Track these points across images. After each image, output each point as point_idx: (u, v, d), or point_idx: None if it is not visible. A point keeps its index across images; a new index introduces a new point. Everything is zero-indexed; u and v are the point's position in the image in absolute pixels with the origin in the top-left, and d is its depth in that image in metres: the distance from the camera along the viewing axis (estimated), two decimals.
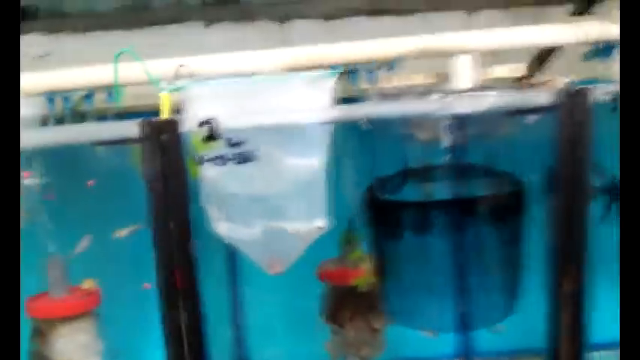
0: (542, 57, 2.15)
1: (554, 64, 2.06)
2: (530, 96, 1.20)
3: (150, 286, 1.47)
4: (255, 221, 1.25)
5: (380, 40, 1.68)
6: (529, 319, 1.28)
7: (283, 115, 1.15)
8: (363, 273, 1.48)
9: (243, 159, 1.14)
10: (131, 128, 1.11)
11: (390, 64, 1.68)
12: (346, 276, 1.52)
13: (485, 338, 1.46)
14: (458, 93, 1.27)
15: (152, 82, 1.19)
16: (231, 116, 1.11)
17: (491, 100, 1.13)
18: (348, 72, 1.62)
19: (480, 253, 1.22)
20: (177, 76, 1.31)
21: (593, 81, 1.66)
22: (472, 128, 1.32)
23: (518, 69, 1.94)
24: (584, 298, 1.21)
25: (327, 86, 1.21)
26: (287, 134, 1.18)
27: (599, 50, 1.71)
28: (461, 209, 1.21)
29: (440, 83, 1.83)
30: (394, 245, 1.26)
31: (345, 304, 1.53)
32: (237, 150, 1.13)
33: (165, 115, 1.14)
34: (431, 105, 1.17)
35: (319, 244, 1.36)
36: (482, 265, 1.22)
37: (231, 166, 1.15)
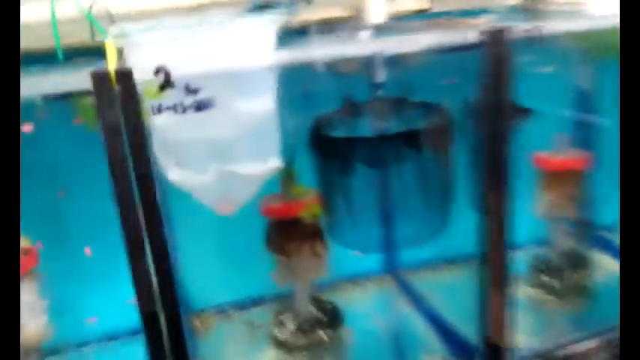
0: None
1: None
2: (457, 35, 1.30)
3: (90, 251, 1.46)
4: (209, 166, 1.27)
5: None
6: (460, 230, 1.45)
7: (233, 59, 1.15)
8: (306, 205, 1.56)
9: (202, 106, 1.14)
10: (79, 80, 1.06)
11: None
12: (291, 209, 1.59)
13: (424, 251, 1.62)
14: (387, 30, 1.33)
15: (97, 27, 1.13)
16: (180, 62, 1.10)
17: (425, 40, 1.22)
18: (267, 6, 1.62)
19: (417, 179, 1.34)
20: (109, 18, 1.24)
21: (483, 10, 1.82)
22: (403, 65, 1.41)
23: (421, 1, 2.04)
24: (508, 208, 1.40)
25: (273, 26, 1.22)
26: (238, 78, 1.19)
27: None
28: (399, 141, 1.31)
29: (355, 16, 1.89)
30: (339, 178, 1.34)
31: (292, 235, 1.61)
32: (194, 97, 1.13)
33: (112, 64, 1.10)
34: (369, 46, 1.24)
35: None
36: (421, 190, 1.36)
37: (185, 114, 1.14)
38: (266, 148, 1.29)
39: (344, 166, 1.30)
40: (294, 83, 1.39)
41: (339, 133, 1.37)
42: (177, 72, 1.09)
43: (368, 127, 1.40)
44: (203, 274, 1.80)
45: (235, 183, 1.31)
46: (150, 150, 1.09)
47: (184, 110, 1.14)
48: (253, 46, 1.20)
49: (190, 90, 1.12)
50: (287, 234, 1.61)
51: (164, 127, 1.18)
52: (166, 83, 1.08)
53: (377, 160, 1.29)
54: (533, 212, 1.79)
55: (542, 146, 1.74)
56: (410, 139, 1.31)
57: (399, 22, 1.66)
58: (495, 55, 1.24)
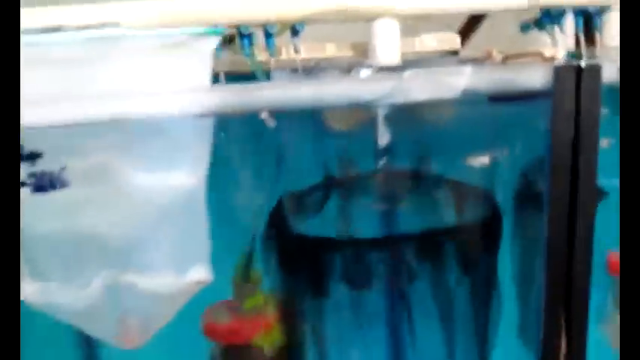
0: (469, 26, 1.79)
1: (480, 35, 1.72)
2: (513, 74, 0.81)
3: None
4: (91, 277, 0.76)
5: None
6: None
7: (128, 101, 0.66)
8: (265, 327, 1.03)
9: (47, 183, 0.64)
10: None
11: (296, 29, 1.23)
12: (242, 331, 1.05)
13: None
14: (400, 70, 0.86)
15: None
16: (30, 104, 0.61)
17: (464, 81, 0.73)
18: (239, 36, 1.14)
19: (437, 308, 0.81)
20: None
21: None
22: (422, 118, 0.91)
23: (449, 40, 1.56)
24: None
25: (205, 53, 0.74)
26: (137, 134, 0.70)
27: (545, 18, 1.38)
28: (408, 248, 0.78)
29: (358, 55, 1.42)
30: (308, 298, 0.82)
31: None
32: (34, 167, 0.63)
33: None
34: (380, 86, 0.74)
35: None
36: (442, 325, 0.82)
37: (27, 194, 0.64)
38: (187, 251, 0.78)
39: (316, 281, 0.78)
40: (246, 143, 0.89)
41: (311, 227, 0.85)
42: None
43: (360, 219, 0.88)
44: None
45: (138, 302, 0.81)
46: None
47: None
48: (170, 80, 0.71)
49: (26, 155, 0.62)
50: None
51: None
52: None
53: (369, 277, 0.76)
54: (602, 339, 1.24)
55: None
56: (427, 245, 0.78)
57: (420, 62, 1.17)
58: (587, 103, 0.74)
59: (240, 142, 0.87)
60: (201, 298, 1.08)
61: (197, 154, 0.76)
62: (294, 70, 0.91)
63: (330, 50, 1.40)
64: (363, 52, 1.32)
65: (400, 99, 0.71)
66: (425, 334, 0.82)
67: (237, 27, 1.11)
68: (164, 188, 0.73)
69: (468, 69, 0.71)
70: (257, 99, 0.78)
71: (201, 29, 0.72)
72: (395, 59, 1.22)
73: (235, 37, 1.11)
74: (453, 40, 1.49)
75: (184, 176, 0.74)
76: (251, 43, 1.12)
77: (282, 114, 0.88)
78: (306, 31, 1.21)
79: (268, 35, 1.14)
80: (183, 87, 0.71)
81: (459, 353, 0.83)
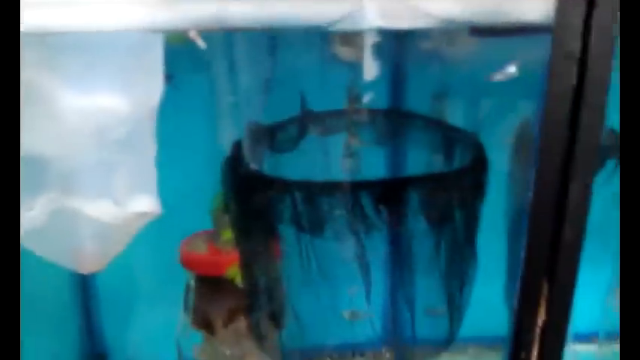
0: None
1: None
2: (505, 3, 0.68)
3: None
4: (32, 197, 0.73)
5: None
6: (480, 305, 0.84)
7: (54, 11, 0.60)
8: (234, 261, 0.99)
9: None
10: None
11: None
12: (217, 262, 1.03)
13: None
14: None
15: None
16: None
17: (442, 9, 0.61)
18: None
19: (412, 262, 0.73)
20: None
21: None
22: (414, 49, 0.80)
23: None
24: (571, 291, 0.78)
25: None
26: (69, 50, 0.64)
27: None
28: (384, 193, 0.70)
29: None
30: (265, 242, 0.76)
31: (218, 302, 1.05)
32: None
33: None
34: (332, 9, 0.64)
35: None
36: (406, 282, 0.74)
37: None
38: (134, 180, 0.73)
39: (265, 222, 0.72)
40: (214, 66, 0.81)
41: (269, 165, 0.78)
42: None
43: (328, 161, 0.80)
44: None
45: (86, 228, 0.77)
46: None
47: None
48: None
49: None
50: (211, 298, 1.05)
51: None
52: None
53: (322, 223, 0.69)
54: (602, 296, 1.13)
55: None
56: (391, 192, 0.70)
57: None
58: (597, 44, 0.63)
59: (206, 64, 0.79)
60: (180, 226, 1.05)
61: (148, 75, 0.70)
62: None
63: None
64: None
65: (358, 25, 0.60)
66: (383, 288, 0.76)
67: None
68: (102, 111, 0.68)
69: None
70: (201, 15, 0.69)
71: None
72: None
73: None
74: None
75: (127, 99, 0.68)
76: None
77: (254, 35, 0.80)
78: None
79: None
80: None
81: (420, 310, 0.76)
